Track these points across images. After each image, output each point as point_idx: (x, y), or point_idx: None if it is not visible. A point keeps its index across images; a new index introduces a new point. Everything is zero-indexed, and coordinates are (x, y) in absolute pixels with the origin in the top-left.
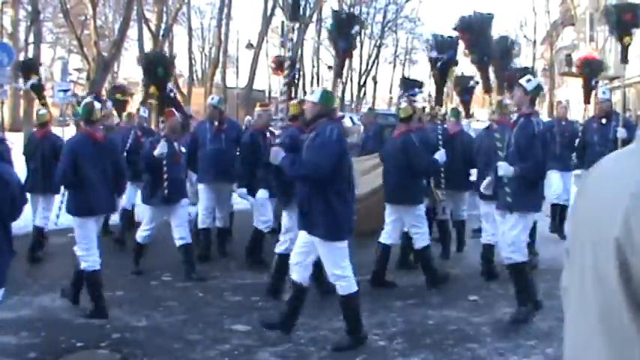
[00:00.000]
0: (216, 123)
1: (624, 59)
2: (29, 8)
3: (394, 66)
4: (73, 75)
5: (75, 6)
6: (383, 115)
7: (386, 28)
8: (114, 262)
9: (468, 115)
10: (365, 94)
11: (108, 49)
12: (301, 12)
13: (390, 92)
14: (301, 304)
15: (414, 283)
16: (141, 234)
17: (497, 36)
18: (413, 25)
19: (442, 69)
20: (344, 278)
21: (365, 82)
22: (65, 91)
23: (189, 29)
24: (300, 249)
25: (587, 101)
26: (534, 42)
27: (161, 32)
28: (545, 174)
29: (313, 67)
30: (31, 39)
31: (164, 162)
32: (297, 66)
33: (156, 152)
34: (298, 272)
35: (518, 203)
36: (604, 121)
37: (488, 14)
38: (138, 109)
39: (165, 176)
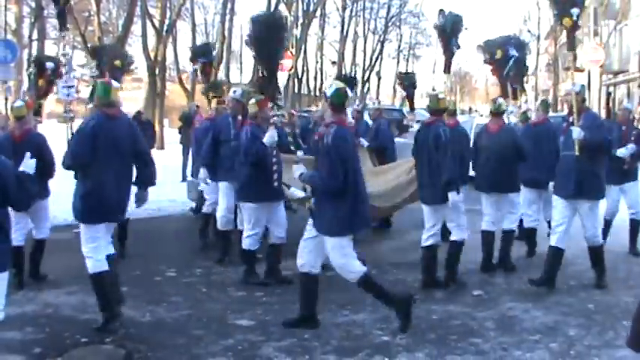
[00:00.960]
0: (239, 118)
1: (570, 46)
2: (33, 4)
3: (398, 61)
4: (77, 71)
5: (79, 2)
6: (387, 111)
7: (390, 24)
8: (118, 259)
9: (413, 108)
10: (369, 89)
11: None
12: (305, 7)
13: (394, 88)
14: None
15: (418, 278)
16: (247, 240)
17: (510, 38)
18: (416, 20)
19: (517, 65)
20: (89, 258)
21: (369, 78)
22: (69, 87)
23: (193, 25)
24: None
25: None
26: (538, 37)
27: (165, 28)
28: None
29: (317, 62)
30: (35, 35)
31: (274, 152)
32: (214, 53)
33: (266, 140)
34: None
35: (322, 223)
36: (571, 119)
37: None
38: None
39: (274, 168)
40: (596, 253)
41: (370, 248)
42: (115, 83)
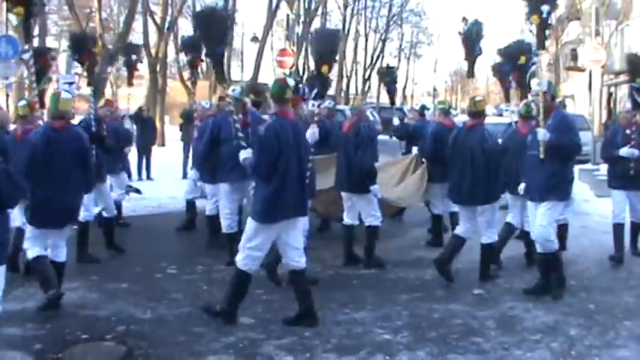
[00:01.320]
0: (240, 116)
1: (540, 44)
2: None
3: (399, 60)
4: (77, 68)
5: None
6: (387, 109)
7: (391, 22)
8: (119, 255)
9: (393, 103)
10: (370, 87)
11: (113, 42)
12: (306, 5)
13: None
14: None
15: (419, 277)
16: None
17: (528, 43)
18: (418, 19)
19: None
20: (28, 250)
21: (370, 76)
22: (70, 83)
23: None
24: None
25: None
26: None
27: (166, 25)
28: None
29: None
30: (36, 31)
31: (312, 151)
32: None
33: (309, 136)
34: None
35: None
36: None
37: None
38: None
39: (309, 165)
40: (548, 260)
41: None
42: (64, 94)
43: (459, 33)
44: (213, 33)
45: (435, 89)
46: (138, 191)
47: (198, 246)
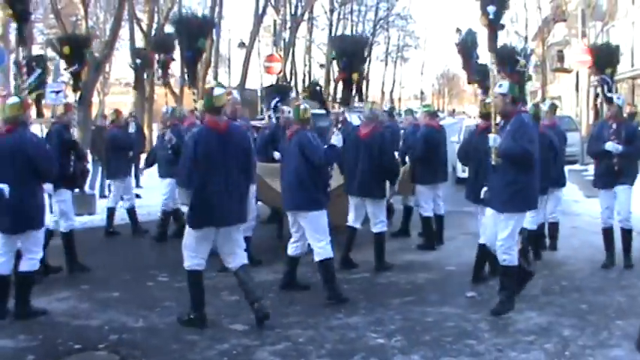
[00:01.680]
0: (239, 121)
1: (490, 47)
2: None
3: (386, 64)
4: (64, 76)
5: (66, 7)
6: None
7: (378, 26)
8: (110, 264)
9: (361, 100)
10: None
11: (100, 50)
12: (293, 11)
13: (382, 90)
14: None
15: (411, 281)
16: (329, 247)
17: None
18: (404, 23)
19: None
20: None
21: None
22: (57, 92)
23: None
24: None
25: None
26: (525, 38)
27: (153, 32)
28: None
29: (305, 65)
30: None
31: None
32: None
33: (336, 142)
34: None
35: None
36: (501, 122)
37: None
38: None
39: (330, 173)
40: (504, 273)
41: (362, 251)
42: (12, 99)
43: (455, 44)
44: (188, 37)
45: (422, 92)
46: (137, 196)
47: None
